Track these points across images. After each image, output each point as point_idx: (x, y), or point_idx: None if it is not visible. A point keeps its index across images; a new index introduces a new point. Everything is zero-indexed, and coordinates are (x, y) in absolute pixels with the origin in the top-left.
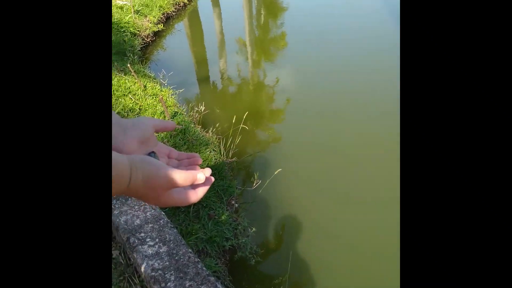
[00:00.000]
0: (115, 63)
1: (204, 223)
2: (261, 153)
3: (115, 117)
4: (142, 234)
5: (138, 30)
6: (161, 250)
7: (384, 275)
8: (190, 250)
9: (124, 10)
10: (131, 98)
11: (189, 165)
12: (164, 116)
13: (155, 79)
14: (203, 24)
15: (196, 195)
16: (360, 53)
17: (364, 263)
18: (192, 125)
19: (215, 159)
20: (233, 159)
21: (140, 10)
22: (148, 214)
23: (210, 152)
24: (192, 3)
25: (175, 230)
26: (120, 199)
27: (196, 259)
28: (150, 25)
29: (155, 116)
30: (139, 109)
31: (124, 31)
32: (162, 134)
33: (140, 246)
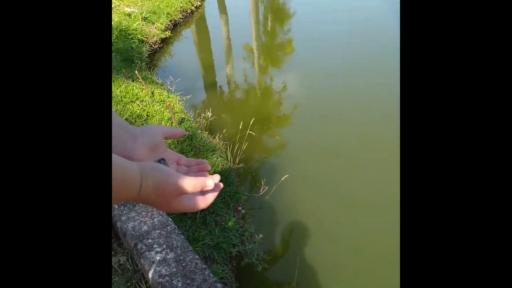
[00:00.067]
0: (123, 70)
1: (211, 229)
2: (267, 159)
3: (125, 124)
4: (150, 240)
5: (146, 37)
6: (168, 256)
7: (389, 279)
8: (197, 256)
9: (132, 17)
10: (138, 105)
11: (198, 171)
12: (171, 123)
13: (162, 86)
14: (210, 30)
15: (206, 201)
16: (365, 57)
17: (368, 266)
18: (199, 131)
19: (222, 165)
20: (240, 165)
21: (148, 17)
22: (155, 220)
23: (217, 158)
24: (200, 10)
25: (182, 237)
26: (128, 205)
27: (203, 266)
28: (157, 32)
29: (162, 122)
30: (147, 115)
31: (132, 38)
32: (169, 140)
33: (147, 252)
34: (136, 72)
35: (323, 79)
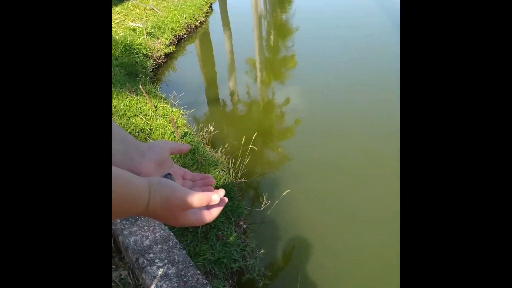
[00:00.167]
0: (127, 84)
1: (212, 244)
2: (269, 174)
3: (133, 140)
4: (151, 255)
5: (150, 52)
6: (169, 272)
7: None
8: (198, 271)
9: (137, 32)
10: (142, 119)
11: (203, 186)
12: (174, 137)
13: (166, 100)
14: (213, 45)
15: (211, 215)
16: (368, 73)
17: (370, 281)
18: (202, 145)
19: (224, 179)
20: (242, 180)
21: (153, 32)
22: (157, 235)
23: (219, 172)
24: (204, 26)
25: (183, 251)
26: (130, 219)
27: (205, 281)
28: (162, 46)
29: (165, 136)
30: (150, 129)
31: (136, 53)
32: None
33: (149, 267)
34: (140, 86)
35: (326, 94)
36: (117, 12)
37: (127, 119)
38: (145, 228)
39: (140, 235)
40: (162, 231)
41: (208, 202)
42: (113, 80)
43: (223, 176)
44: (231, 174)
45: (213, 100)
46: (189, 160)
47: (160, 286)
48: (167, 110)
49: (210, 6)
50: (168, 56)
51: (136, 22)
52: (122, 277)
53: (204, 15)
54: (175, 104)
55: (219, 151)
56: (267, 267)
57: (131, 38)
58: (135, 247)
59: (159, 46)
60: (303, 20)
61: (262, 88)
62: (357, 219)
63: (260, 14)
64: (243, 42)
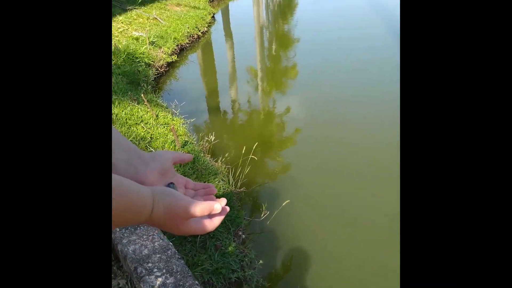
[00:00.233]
0: (129, 92)
1: (211, 254)
2: (269, 183)
3: (137, 150)
4: (150, 264)
5: (153, 61)
6: (168, 281)
7: None
8: (196, 282)
9: (140, 41)
10: (143, 127)
11: (205, 195)
12: (175, 146)
13: (167, 109)
14: (215, 55)
15: (213, 224)
16: (369, 84)
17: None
18: (202, 155)
19: (223, 189)
20: (242, 189)
21: (155, 41)
22: (156, 244)
23: (219, 181)
24: (206, 36)
25: (182, 261)
26: (129, 228)
27: None
28: (164, 56)
29: (166, 145)
30: (150, 138)
31: (139, 62)
32: None
33: (147, 277)
34: (142, 95)
35: (327, 104)
36: (120, 21)
37: (128, 127)
38: (144, 237)
39: (139, 244)
40: (161, 241)
41: (210, 211)
42: (115, 88)
43: (223, 186)
44: (231, 183)
45: (214, 109)
46: (189, 169)
47: None
48: (168, 119)
49: (213, 17)
50: (170, 65)
51: (139, 31)
52: (120, 286)
53: (206, 25)
54: (176, 113)
55: (219, 161)
56: (266, 278)
57: (134, 47)
58: (133, 256)
59: (161, 55)
60: (305, 31)
61: (263, 97)
62: (357, 229)
63: (262, 24)
64: (244, 52)
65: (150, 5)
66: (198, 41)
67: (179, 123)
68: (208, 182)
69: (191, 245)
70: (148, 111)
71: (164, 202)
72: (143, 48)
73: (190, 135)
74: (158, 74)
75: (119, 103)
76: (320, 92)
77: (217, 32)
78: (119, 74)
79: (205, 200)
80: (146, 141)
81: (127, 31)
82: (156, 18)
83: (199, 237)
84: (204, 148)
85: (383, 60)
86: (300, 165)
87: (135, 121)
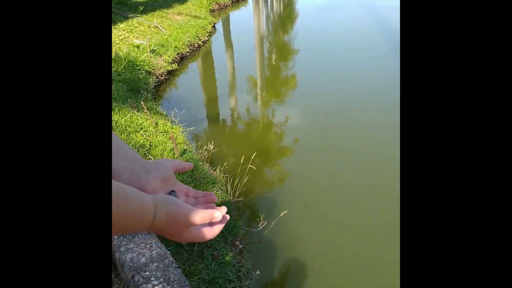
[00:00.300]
0: (129, 100)
1: (208, 264)
2: (267, 193)
3: (139, 159)
4: (147, 273)
5: (153, 69)
6: None
7: None
8: None
9: (141, 49)
10: (142, 135)
11: (205, 203)
12: (173, 154)
13: (166, 117)
14: (215, 64)
15: (213, 232)
16: (368, 94)
17: None
18: (201, 163)
19: (221, 198)
20: (240, 199)
21: (156, 49)
22: (153, 252)
23: (217, 190)
24: (206, 45)
25: (179, 270)
26: (127, 236)
27: None
28: (164, 64)
29: (165, 153)
30: (150, 145)
31: (139, 69)
32: None
33: (144, 285)
34: (142, 102)
35: (325, 114)
36: (121, 29)
37: (127, 135)
38: (142, 245)
39: (137, 252)
40: (158, 249)
41: (210, 219)
42: (115, 95)
43: (221, 195)
44: (229, 193)
45: (213, 118)
46: (187, 177)
47: None
48: (168, 127)
49: (214, 26)
50: (171, 73)
51: (140, 39)
52: None
53: (207, 35)
54: (175, 121)
55: (217, 170)
56: None
57: (135, 54)
58: (131, 264)
59: (162, 64)
60: (305, 41)
61: (262, 107)
62: (356, 239)
63: (262, 34)
64: (244, 62)
65: (152, 13)
66: (199, 50)
67: (178, 131)
68: (206, 191)
69: (188, 254)
70: (147, 119)
71: (166, 210)
72: (143, 56)
73: (189, 144)
74: (158, 82)
75: (119, 110)
76: (319, 101)
77: (217, 41)
78: (119, 81)
79: (205, 208)
80: (145, 149)
81: (128, 38)
82: (157, 27)
83: (196, 246)
84: (202, 157)
85: (383, 71)
86: (298, 175)
87: (135, 129)
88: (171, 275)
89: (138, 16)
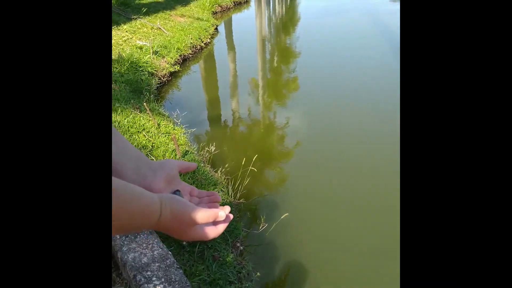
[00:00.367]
0: (132, 101)
1: (209, 265)
2: (268, 196)
3: (145, 159)
4: (149, 273)
5: (156, 70)
6: None
7: None
8: None
9: (143, 51)
10: (144, 135)
11: (209, 202)
12: (175, 155)
13: (168, 118)
14: (217, 66)
15: (217, 230)
16: (371, 98)
17: None
18: (202, 165)
19: (222, 199)
20: (241, 201)
21: (159, 51)
22: (155, 253)
23: (218, 192)
24: (209, 47)
25: (181, 271)
26: (129, 236)
27: None
28: (167, 65)
29: (167, 154)
30: (152, 146)
31: (142, 70)
32: None
33: (146, 285)
34: (144, 103)
35: (328, 117)
36: (124, 30)
37: (130, 135)
38: (144, 245)
39: (139, 252)
40: (160, 249)
41: (215, 218)
42: (118, 96)
43: (222, 197)
44: (230, 194)
45: (215, 119)
46: (189, 178)
47: None
48: (170, 128)
49: (216, 28)
50: (173, 75)
51: (143, 41)
52: None
53: (209, 37)
54: (177, 122)
55: (219, 171)
56: None
57: (138, 56)
58: (133, 263)
59: (164, 65)
60: (307, 45)
61: (264, 109)
62: (358, 241)
63: (264, 37)
64: (246, 64)
65: (155, 15)
66: (201, 52)
67: (180, 133)
68: None
69: (189, 255)
70: (150, 120)
71: (171, 209)
72: (146, 57)
73: (191, 145)
74: (160, 83)
75: (121, 111)
76: (321, 104)
77: (219, 43)
78: (122, 82)
79: (209, 207)
80: (148, 150)
81: (131, 40)
82: (160, 28)
83: (197, 247)
84: (204, 158)
85: (387, 77)
86: (299, 178)
87: (137, 129)
88: (173, 275)
89: (141, 18)
